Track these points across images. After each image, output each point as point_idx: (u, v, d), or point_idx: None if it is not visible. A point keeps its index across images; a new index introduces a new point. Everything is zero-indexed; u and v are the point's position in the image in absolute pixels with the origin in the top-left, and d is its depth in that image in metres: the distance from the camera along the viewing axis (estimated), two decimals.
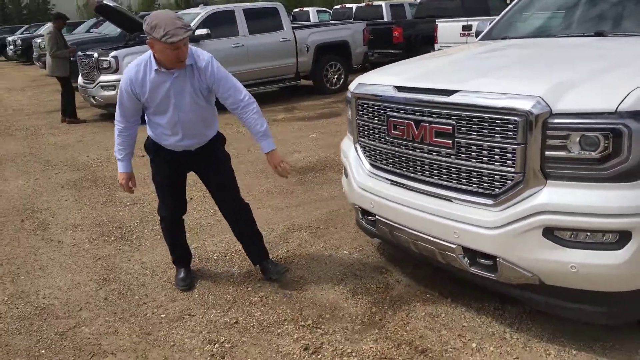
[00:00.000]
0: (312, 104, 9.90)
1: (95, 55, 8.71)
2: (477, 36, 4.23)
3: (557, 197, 2.20)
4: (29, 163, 6.70)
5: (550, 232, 2.23)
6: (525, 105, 2.20)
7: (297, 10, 22.43)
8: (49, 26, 10.52)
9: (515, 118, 2.23)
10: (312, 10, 21.20)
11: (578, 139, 2.14)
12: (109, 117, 9.45)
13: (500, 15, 4.08)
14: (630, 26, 3.13)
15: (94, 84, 8.75)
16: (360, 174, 3.12)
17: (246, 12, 9.77)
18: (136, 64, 2.80)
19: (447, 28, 11.50)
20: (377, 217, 2.99)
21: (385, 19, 14.84)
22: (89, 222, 4.52)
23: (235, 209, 3.22)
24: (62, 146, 7.58)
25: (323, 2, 49.40)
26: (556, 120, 2.16)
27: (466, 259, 2.53)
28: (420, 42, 12.43)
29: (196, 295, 3.21)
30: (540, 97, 2.19)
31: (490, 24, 4.18)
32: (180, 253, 3.39)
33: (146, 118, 3.01)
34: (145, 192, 5.19)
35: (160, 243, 3.97)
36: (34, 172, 6.27)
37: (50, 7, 61.60)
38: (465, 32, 11.20)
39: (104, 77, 8.61)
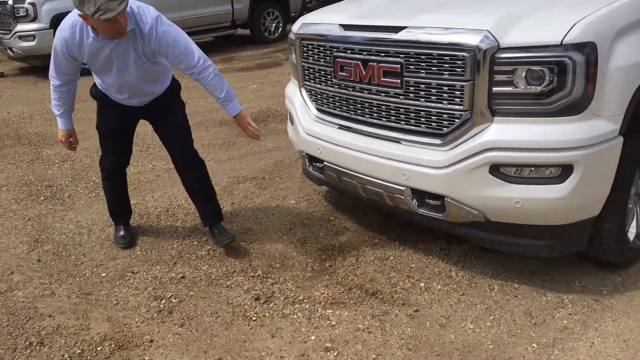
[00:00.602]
0: (251, 54, 9.56)
1: (10, 2, 7.92)
2: None
3: (503, 133, 2.21)
4: None
5: (496, 169, 2.25)
6: (473, 40, 2.16)
7: None
8: None
9: (464, 54, 2.19)
10: None
11: (524, 73, 2.13)
12: (30, 70, 8.75)
13: None
14: None
15: (11, 34, 7.99)
16: (306, 120, 3.02)
17: None
18: (71, 25, 2.47)
19: None
20: (325, 163, 2.92)
21: None
22: (14, 181, 4.19)
23: (190, 160, 3.01)
24: None
25: None
26: (503, 55, 2.14)
27: (415, 200, 2.53)
28: None
29: (138, 253, 3.06)
30: (487, 31, 2.15)
31: None
32: (120, 209, 3.20)
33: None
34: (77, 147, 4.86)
35: (96, 201, 3.74)
36: None
37: None
38: None
39: (21, 27, 7.87)
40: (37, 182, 4.15)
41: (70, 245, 3.19)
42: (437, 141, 2.38)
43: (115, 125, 2.91)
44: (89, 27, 2.45)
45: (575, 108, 2.10)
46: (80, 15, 2.37)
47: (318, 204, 3.55)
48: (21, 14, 7.83)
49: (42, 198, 3.86)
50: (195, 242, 3.14)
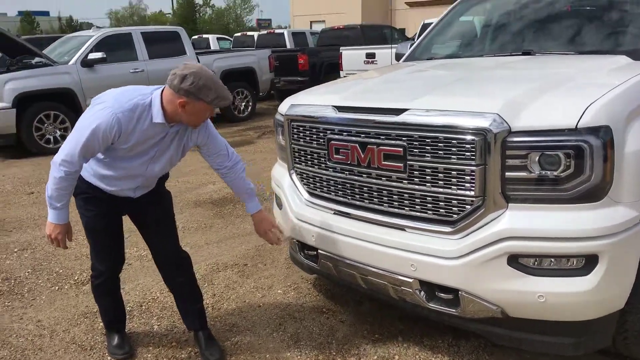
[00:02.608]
0: (222, 132, 9.25)
1: None
2: (398, 59, 4.17)
3: (519, 221, 2.07)
4: None
5: (515, 260, 2.08)
6: (482, 122, 2.06)
7: (196, 37, 21.87)
8: None
9: (473, 137, 2.08)
10: (212, 38, 20.78)
11: (538, 158, 2.03)
12: None
13: (422, 37, 4.05)
14: (556, 44, 3.18)
15: None
16: (297, 205, 2.83)
17: (145, 35, 9.22)
18: (131, 108, 2.22)
19: (352, 56, 11.72)
20: (319, 251, 2.70)
21: (288, 47, 14.85)
22: None
23: (177, 258, 2.68)
24: None
25: (221, 30, 49.15)
26: (515, 139, 2.04)
27: (424, 293, 2.32)
28: (325, 69, 12.53)
29: (109, 358, 2.69)
30: (497, 114, 2.06)
31: (410, 46, 4.14)
32: (117, 315, 2.78)
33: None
34: (36, 235, 4.49)
35: (59, 295, 3.36)
36: None
37: None
38: (369, 60, 11.47)
39: None
40: None
41: (29, 350, 2.78)
42: (447, 229, 2.22)
43: (109, 222, 2.55)
44: (150, 114, 2.25)
45: (595, 194, 1.99)
46: (180, 103, 2.19)
47: (308, 293, 3.28)
48: None
49: None
50: (174, 343, 2.80)
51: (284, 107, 2.93)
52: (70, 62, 8.29)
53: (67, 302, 3.27)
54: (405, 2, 35.07)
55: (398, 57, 4.21)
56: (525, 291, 2.07)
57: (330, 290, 3.29)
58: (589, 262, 2.01)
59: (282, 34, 15.83)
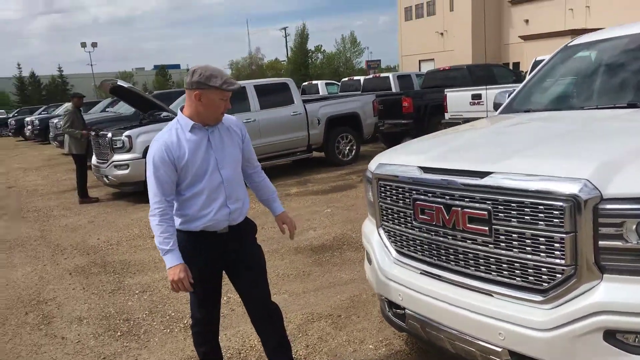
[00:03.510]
0: (325, 177, 9.78)
1: (109, 135, 8.76)
2: (496, 109, 4.08)
3: (616, 294, 1.93)
4: (39, 248, 6.52)
5: (612, 336, 1.93)
6: (571, 188, 1.98)
7: (306, 83, 22.97)
8: (67, 105, 10.72)
9: (561, 204, 2.00)
10: (320, 83, 21.66)
11: (635, 226, 1.89)
12: (121, 195, 9.39)
13: (520, 87, 3.95)
14: None
15: (108, 163, 8.75)
16: (385, 262, 2.87)
17: (257, 87, 9.90)
18: (166, 131, 2.55)
19: (456, 97, 11.56)
20: (406, 310, 2.70)
21: (393, 90, 15.03)
22: (95, 313, 4.25)
23: (268, 311, 2.79)
24: (73, 228, 7.43)
25: (332, 73, 51.03)
26: (608, 206, 1.93)
27: None
28: (429, 111, 12.47)
29: None
30: (587, 180, 1.97)
31: (509, 95, 4.05)
32: None
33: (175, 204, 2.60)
34: (156, 277, 4.95)
35: (170, 338, 3.67)
36: (43, 257, 6.07)
37: (69, 87, 64.17)
38: (475, 101, 11.23)
39: (117, 157, 8.62)
40: (117, 315, 4.18)
41: None
42: (537, 297, 2.12)
43: (207, 279, 2.66)
44: (182, 126, 2.53)
45: None
46: (196, 95, 2.46)
47: (399, 350, 3.26)
48: (118, 145, 8.59)
49: (119, 333, 3.85)
50: None
51: (373, 165, 3.02)
52: None
53: (175, 345, 3.56)
54: (519, 36, 33.99)
55: (496, 107, 4.13)
56: None
57: (423, 349, 3.23)
58: None
59: (388, 77, 16.10)
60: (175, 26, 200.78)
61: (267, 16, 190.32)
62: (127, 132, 8.62)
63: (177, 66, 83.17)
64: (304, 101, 10.72)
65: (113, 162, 8.64)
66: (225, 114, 2.65)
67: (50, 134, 18.84)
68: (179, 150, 2.49)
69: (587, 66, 3.78)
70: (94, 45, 61.02)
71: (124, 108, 14.28)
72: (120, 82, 8.95)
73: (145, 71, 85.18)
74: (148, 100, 9.54)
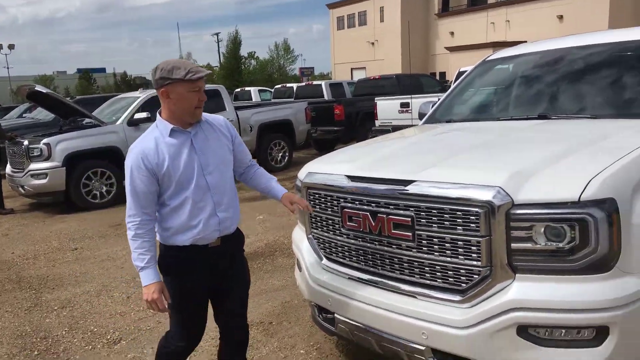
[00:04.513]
0: None
1: (26, 142, 8.25)
2: (420, 118, 4.26)
3: (527, 291, 2.07)
4: None
5: (524, 330, 2.07)
6: (485, 195, 2.11)
7: (238, 90, 22.79)
8: None
9: (477, 209, 2.12)
10: (253, 90, 21.58)
11: (543, 229, 2.04)
12: (38, 206, 8.86)
13: (442, 99, 4.14)
14: (572, 108, 3.21)
15: (24, 173, 8.23)
16: (315, 269, 2.90)
17: None
18: (143, 137, 2.34)
19: (386, 105, 11.91)
20: (335, 315, 2.75)
21: (326, 97, 15.25)
22: (9, 332, 3.97)
23: (245, 337, 2.66)
24: None
25: (265, 80, 50.92)
26: (519, 211, 2.07)
27: None
28: (360, 118, 12.77)
29: None
30: (500, 187, 2.10)
31: (432, 106, 4.23)
32: None
33: (158, 216, 2.39)
34: (76, 292, 4.71)
35: (91, 355, 3.51)
36: None
37: None
38: (403, 109, 11.61)
39: (34, 165, 8.12)
40: (33, 333, 3.93)
41: None
42: (457, 297, 2.23)
43: (194, 302, 2.44)
44: (161, 130, 2.31)
45: (602, 266, 1.98)
46: (162, 93, 2.26)
47: (330, 354, 3.30)
48: (35, 154, 8.11)
49: (35, 352, 3.62)
50: None
51: (302, 173, 3.05)
52: (118, 122, 8.82)
53: None
54: (445, 47, 35.52)
55: (421, 116, 4.30)
56: None
57: (353, 351, 3.29)
58: (600, 333, 1.98)
59: (320, 85, 16.31)
60: (102, 29, 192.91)
61: (200, 21, 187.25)
62: (45, 140, 8.15)
63: (102, 70, 79.73)
64: (236, 108, 10.64)
65: (30, 171, 8.13)
66: (213, 115, 2.51)
67: None
68: (157, 156, 2.28)
69: (503, 79, 4.02)
70: (11, 47, 57.22)
71: (42, 114, 13.50)
72: (38, 87, 8.47)
73: (68, 75, 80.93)
74: (69, 106, 9.09)
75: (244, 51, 56.22)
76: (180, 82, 2.24)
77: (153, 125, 2.38)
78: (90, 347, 3.63)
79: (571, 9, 30.32)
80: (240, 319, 2.61)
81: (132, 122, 8.78)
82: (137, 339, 3.69)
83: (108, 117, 9.28)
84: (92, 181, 8.42)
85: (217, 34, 70.23)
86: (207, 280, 2.43)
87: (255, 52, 66.56)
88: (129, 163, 2.29)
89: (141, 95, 9.36)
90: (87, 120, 8.94)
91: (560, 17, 31.99)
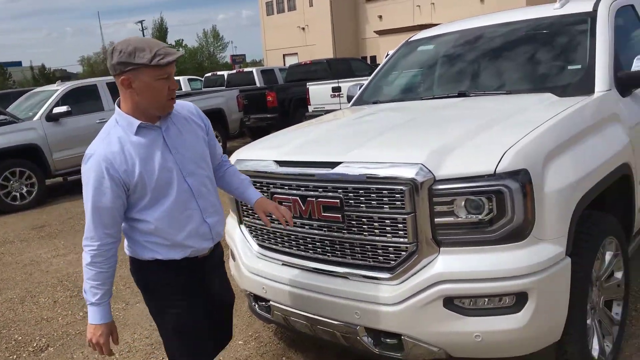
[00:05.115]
0: None
1: None
2: (349, 101, 4.29)
3: (451, 264, 2.14)
4: None
5: (450, 302, 2.14)
6: (408, 173, 2.15)
7: None
8: None
9: (401, 187, 2.16)
10: (183, 79, 20.95)
11: (463, 203, 2.11)
12: None
13: (369, 81, 4.19)
14: (489, 84, 3.33)
15: None
16: (248, 257, 2.87)
17: (110, 85, 9.27)
18: (102, 139, 1.93)
19: (318, 90, 11.94)
20: (271, 302, 2.73)
21: (258, 85, 15.08)
22: None
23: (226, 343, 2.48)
24: None
25: (195, 68, 49.63)
26: (440, 187, 2.12)
27: (370, 339, 2.36)
28: (293, 104, 12.73)
29: None
30: (422, 164, 2.15)
31: (359, 88, 4.27)
32: None
33: (130, 230, 2.03)
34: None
35: None
36: None
37: None
38: (335, 93, 11.68)
39: None
40: None
41: None
42: (386, 275, 2.28)
43: (193, 319, 2.10)
44: (125, 127, 1.93)
45: (519, 234, 2.08)
46: (122, 81, 1.86)
47: (269, 342, 3.29)
48: None
49: None
50: None
51: (232, 161, 2.99)
52: (35, 118, 8.30)
53: None
54: (374, 31, 35.96)
55: (349, 99, 4.33)
56: (462, 332, 2.13)
57: (292, 338, 3.30)
58: (520, 299, 2.08)
59: (251, 72, 16.09)
60: (16, 19, 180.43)
61: (122, 9, 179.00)
62: None
63: (18, 63, 74.66)
64: None
65: None
66: (181, 102, 2.12)
67: None
68: (125, 162, 1.88)
69: (426, 59, 4.11)
70: None
71: None
72: None
73: None
74: None
75: (171, 39, 54.52)
76: (144, 67, 1.84)
77: (111, 121, 1.98)
78: (15, 356, 3.43)
79: None
80: (227, 331, 2.45)
81: (51, 117, 8.29)
82: (66, 344, 3.52)
83: (24, 112, 8.73)
84: (11, 182, 7.91)
85: (141, 22, 67.62)
86: (192, 286, 2.11)
87: (182, 40, 64.65)
88: (88, 173, 1.88)
89: (60, 88, 8.85)
90: (1, 117, 8.35)
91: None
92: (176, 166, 1.97)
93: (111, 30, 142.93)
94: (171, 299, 2.07)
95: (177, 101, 2.05)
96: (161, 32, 50.83)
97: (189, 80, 21.38)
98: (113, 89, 9.27)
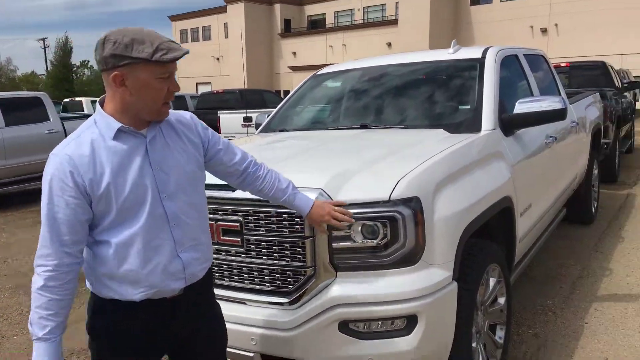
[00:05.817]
0: None
1: None
2: (257, 128, 4.31)
3: (347, 288, 2.18)
4: None
5: (345, 326, 2.17)
6: (309, 197, 2.18)
7: (67, 100, 20.86)
8: None
9: None
10: (85, 100, 19.94)
11: (360, 228, 2.18)
12: None
13: (276, 110, 4.26)
14: (388, 119, 3.52)
15: None
16: None
17: (1, 101, 8.60)
18: (73, 138, 1.62)
19: (229, 119, 11.91)
20: None
21: None
22: None
23: None
24: None
25: (100, 92, 47.53)
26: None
27: None
28: None
29: None
30: (322, 189, 2.20)
31: (267, 116, 4.32)
32: None
33: (89, 256, 1.67)
34: None
35: None
36: None
37: None
38: (246, 123, 11.68)
39: None
40: None
41: None
42: (284, 300, 2.27)
43: None
44: (104, 128, 1.60)
45: (410, 259, 2.17)
46: (114, 77, 1.55)
47: None
48: None
49: None
50: None
51: None
52: None
53: None
54: (288, 67, 36.80)
55: (257, 126, 4.36)
56: (357, 355, 2.16)
57: None
58: (410, 322, 2.16)
59: None
60: None
61: (23, 25, 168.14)
62: None
63: None
64: (65, 119, 9.71)
65: None
66: (177, 112, 1.81)
67: None
68: (92, 169, 1.56)
69: (332, 92, 4.28)
70: None
71: None
72: None
73: None
74: None
75: (76, 59, 51.97)
76: (144, 63, 1.55)
77: (89, 120, 1.66)
78: None
79: (397, 36, 33.63)
80: None
81: None
82: None
83: None
84: None
85: (43, 39, 63.67)
86: (160, 346, 1.78)
87: (89, 61, 61.69)
88: (48, 175, 1.57)
89: None
90: None
91: (389, 44, 35.30)
92: (154, 185, 1.63)
93: (9, 46, 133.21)
94: (122, 350, 1.71)
95: (174, 112, 1.77)
96: (65, 51, 48.26)
97: (92, 102, 20.37)
98: (5, 105, 8.61)
